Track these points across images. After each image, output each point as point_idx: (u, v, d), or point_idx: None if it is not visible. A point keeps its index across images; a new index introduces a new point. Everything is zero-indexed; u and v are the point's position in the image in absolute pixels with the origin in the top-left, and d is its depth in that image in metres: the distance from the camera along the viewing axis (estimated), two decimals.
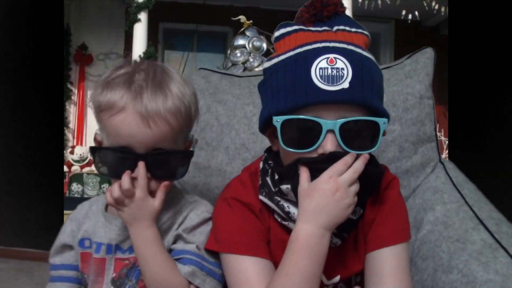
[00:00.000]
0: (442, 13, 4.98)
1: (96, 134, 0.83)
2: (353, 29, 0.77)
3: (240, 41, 3.89)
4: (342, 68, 0.69)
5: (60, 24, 3.56)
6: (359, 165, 0.72)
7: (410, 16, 4.79)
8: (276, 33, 0.79)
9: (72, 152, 4.24)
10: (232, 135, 1.13)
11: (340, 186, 0.70)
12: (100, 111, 0.77)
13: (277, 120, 0.73)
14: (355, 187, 0.72)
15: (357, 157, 0.72)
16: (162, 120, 0.75)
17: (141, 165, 0.75)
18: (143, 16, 4.70)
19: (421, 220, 1.02)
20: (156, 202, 0.78)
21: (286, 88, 0.72)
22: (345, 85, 0.69)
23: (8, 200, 3.43)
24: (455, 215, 0.97)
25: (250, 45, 3.83)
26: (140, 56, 4.34)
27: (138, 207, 0.76)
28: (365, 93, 0.70)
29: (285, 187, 0.77)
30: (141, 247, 0.77)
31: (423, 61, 1.13)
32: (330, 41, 0.72)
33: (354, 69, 0.69)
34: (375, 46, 6.28)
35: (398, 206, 0.84)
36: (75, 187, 3.78)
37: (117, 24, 5.30)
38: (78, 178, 3.84)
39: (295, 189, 0.75)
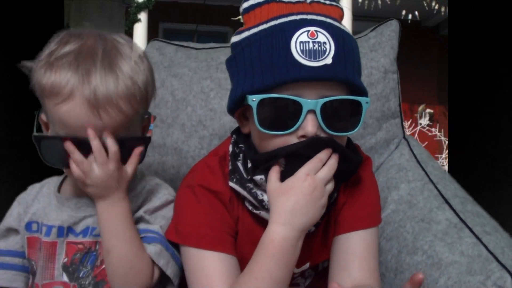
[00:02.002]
0: (442, 13, 4.96)
1: (41, 114, 0.75)
2: (327, 1, 0.70)
3: None
4: (324, 43, 0.63)
5: (60, 24, 3.57)
6: (333, 162, 0.67)
7: (410, 16, 4.78)
8: (245, 4, 0.71)
9: None
10: (188, 111, 1.06)
11: (318, 184, 0.65)
12: (45, 96, 0.70)
13: (253, 100, 0.66)
14: (330, 187, 0.68)
15: (334, 144, 0.67)
16: (114, 107, 0.68)
17: (110, 142, 0.70)
18: (143, 16, 4.75)
19: (385, 199, 0.97)
20: (129, 168, 0.73)
21: (262, 64, 0.65)
22: (328, 60, 0.63)
23: (7, 199, 3.43)
24: (419, 194, 0.93)
25: None
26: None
27: (112, 178, 0.70)
28: (348, 69, 0.65)
29: (259, 177, 0.71)
30: (114, 221, 0.72)
31: (388, 33, 1.08)
32: (306, 13, 0.66)
33: (336, 44, 0.64)
34: None
35: (370, 188, 0.79)
36: None
37: (117, 24, 5.35)
38: None
39: None
